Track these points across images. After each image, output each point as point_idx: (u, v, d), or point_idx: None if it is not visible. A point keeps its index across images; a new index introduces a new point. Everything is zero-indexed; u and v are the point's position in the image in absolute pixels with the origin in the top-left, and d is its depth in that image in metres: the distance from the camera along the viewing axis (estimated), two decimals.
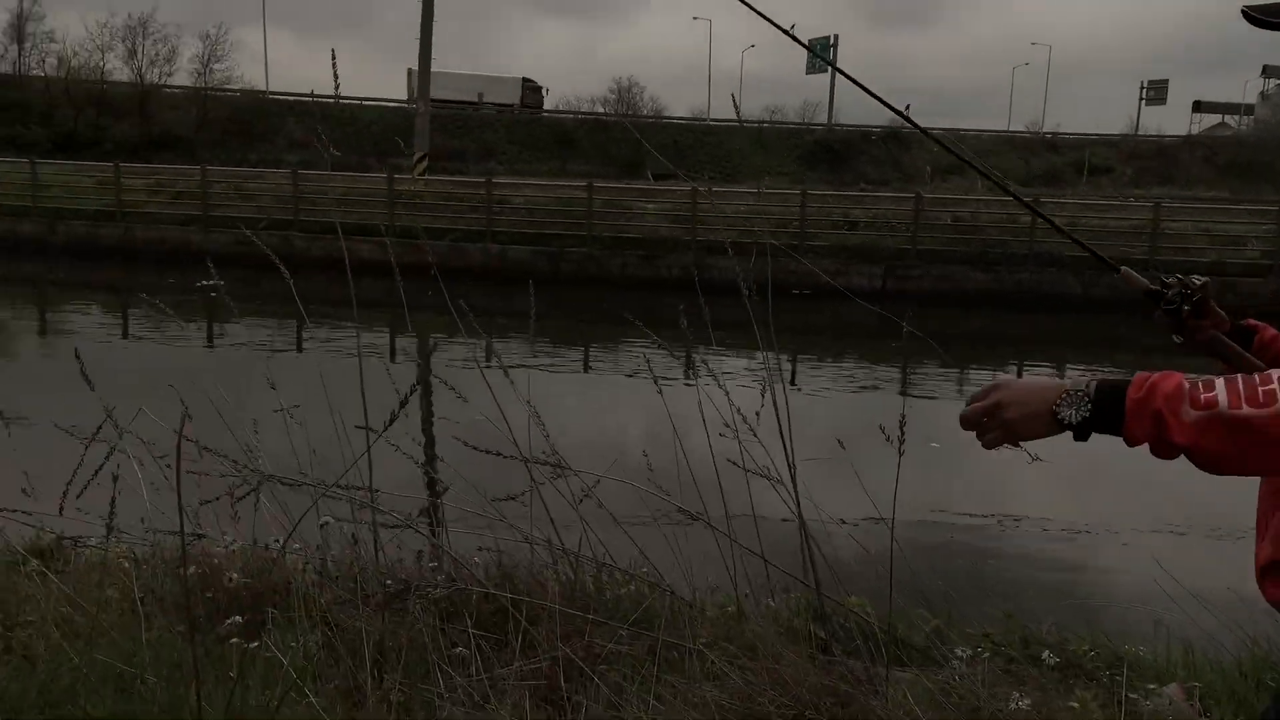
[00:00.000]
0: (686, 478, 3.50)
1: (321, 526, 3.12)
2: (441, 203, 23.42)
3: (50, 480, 3.46)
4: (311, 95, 43.90)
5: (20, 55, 49.33)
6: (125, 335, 16.71)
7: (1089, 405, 1.28)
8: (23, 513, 3.55)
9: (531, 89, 51.38)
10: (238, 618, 2.71)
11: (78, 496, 3.21)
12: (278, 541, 3.20)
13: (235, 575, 3.02)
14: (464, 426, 3.45)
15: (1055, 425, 1.31)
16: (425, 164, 25.32)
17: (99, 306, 19.72)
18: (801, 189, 22.78)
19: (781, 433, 3.22)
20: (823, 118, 53.38)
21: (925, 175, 39.28)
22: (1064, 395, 1.30)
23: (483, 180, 23.90)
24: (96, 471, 3.18)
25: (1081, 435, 1.31)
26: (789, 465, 3.27)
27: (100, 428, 3.26)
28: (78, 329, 17.42)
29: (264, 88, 49.25)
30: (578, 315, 17.45)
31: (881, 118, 50.79)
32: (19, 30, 49.17)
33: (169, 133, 42.71)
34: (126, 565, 3.20)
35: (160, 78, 48.16)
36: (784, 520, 3.52)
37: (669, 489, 3.52)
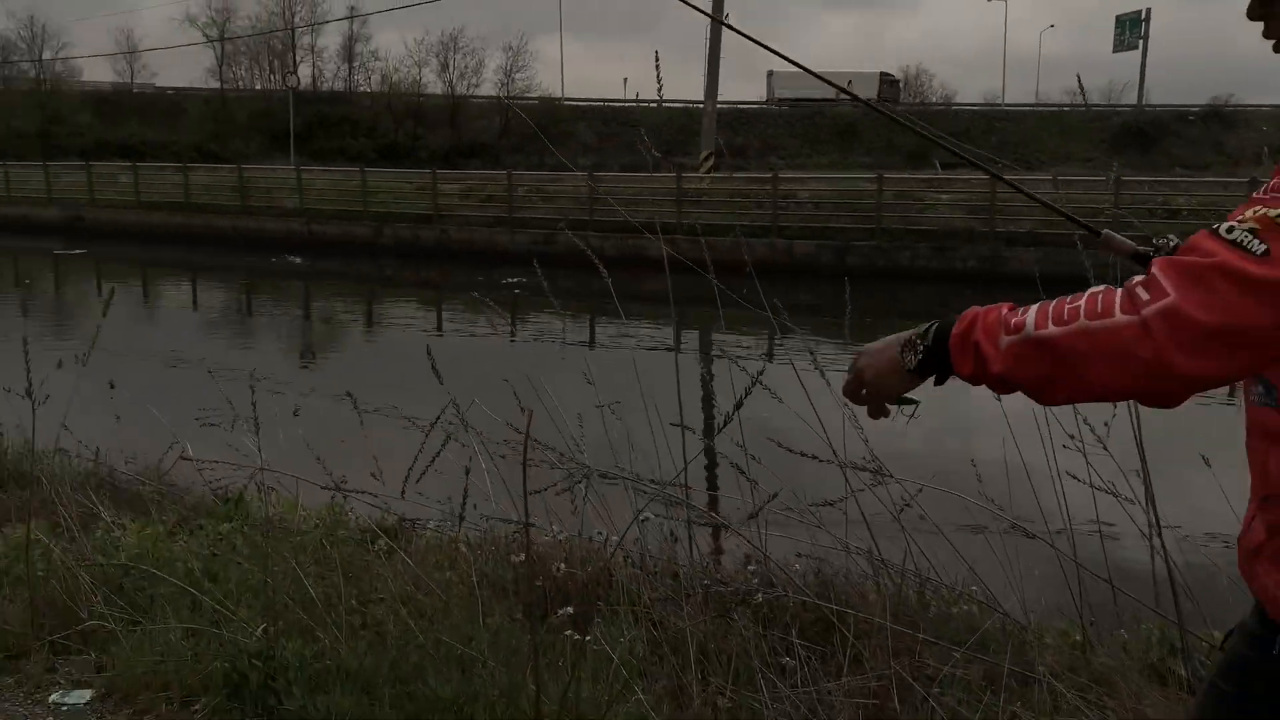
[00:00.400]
0: (1020, 489, 3.25)
1: (642, 522, 3.14)
2: (727, 199, 23.63)
3: (390, 464, 3.74)
4: (638, 99, 46.06)
5: (350, 74, 54.95)
6: (440, 330, 18.08)
7: (923, 347, 1.26)
8: (370, 494, 3.86)
9: (889, 83, 51.25)
10: (569, 609, 2.77)
11: (417, 481, 3.43)
12: (600, 534, 3.27)
13: (561, 565, 3.10)
14: (772, 426, 3.38)
15: (906, 374, 1.29)
16: (712, 162, 25.62)
17: (418, 302, 21.52)
18: (1115, 174, 21.04)
19: (1138, 446, 2.90)
20: (1131, 98, 49.11)
21: (1262, 155, 35.14)
22: (907, 341, 1.28)
23: (768, 175, 23.88)
24: (434, 459, 3.39)
25: (938, 379, 1.28)
26: (1145, 483, 2.94)
27: (439, 418, 3.46)
28: (402, 323, 19.10)
29: (559, 94, 51.92)
30: (868, 310, 17.02)
31: (1201, 95, 46.09)
32: (349, 51, 54.78)
33: (476, 140, 45.97)
34: (464, 550, 3.38)
35: (468, 89, 51.96)
36: (1122, 537, 3.19)
37: (998, 500, 3.28)
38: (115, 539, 3.41)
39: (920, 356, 1.26)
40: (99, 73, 58.29)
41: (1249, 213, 1.08)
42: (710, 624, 2.81)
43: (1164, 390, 1.09)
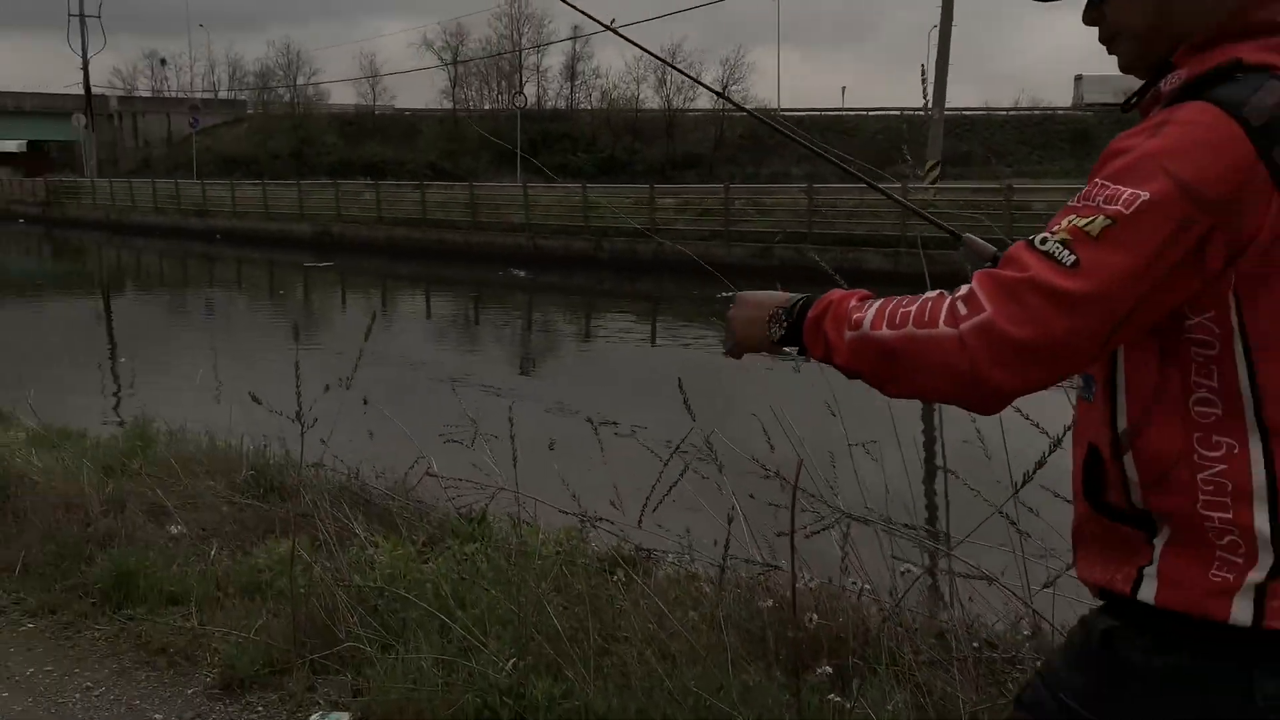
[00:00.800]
0: None
1: (902, 574, 2.91)
2: (954, 210, 22.68)
3: (623, 485, 3.66)
4: (896, 109, 45.45)
5: (572, 92, 56.81)
6: (654, 342, 18.24)
7: (787, 324, 1.27)
8: (608, 521, 3.80)
9: None
10: (828, 667, 2.58)
11: (654, 510, 3.32)
12: (855, 583, 3.05)
13: (814, 615, 2.91)
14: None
15: (770, 342, 1.30)
16: (938, 171, 24.68)
17: (635, 315, 21.84)
18: None
19: None
20: None
21: None
22: (774, 311, 1.30)
23: (1001, 185, 22.77)
24: (670, 488, 3.27)
25: (803, 354, 1.27)
26: None
27: (678, 446, 3.35)
28: (621, 335, 19.42)
29: (775, 104, 51.69)
30: None
31: None
32: (571, 70, 56.65)
33: (690, 153, 46.43)
34: (706, 588, 3.25)
35: (684, 103, 52.51)
36: None
37: None
38: (369, 557, 3.49)
39: (784, 332, 1.28)
40: (344, 96, 63.02)
41: (1063, 221, 1.07)
42: (985, 692, 2.55)
43: (983, 401, 1.10)
